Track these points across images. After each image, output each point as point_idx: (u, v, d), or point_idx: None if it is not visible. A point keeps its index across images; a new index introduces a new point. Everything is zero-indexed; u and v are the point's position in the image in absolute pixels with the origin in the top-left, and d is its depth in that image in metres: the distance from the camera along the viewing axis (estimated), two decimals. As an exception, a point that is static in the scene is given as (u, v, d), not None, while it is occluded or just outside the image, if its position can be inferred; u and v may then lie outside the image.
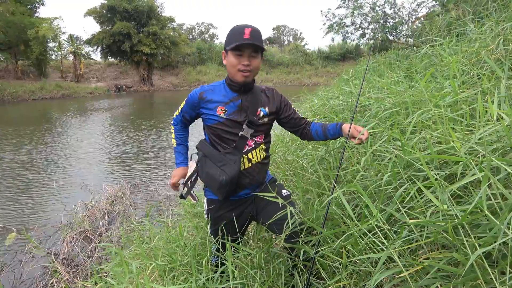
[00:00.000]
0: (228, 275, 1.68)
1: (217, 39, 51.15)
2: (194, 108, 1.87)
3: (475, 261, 1.00)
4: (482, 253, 0.97)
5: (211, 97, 1.80)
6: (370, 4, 7.05)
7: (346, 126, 1.82)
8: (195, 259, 2.07)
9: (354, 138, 1.74)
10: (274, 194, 1.75)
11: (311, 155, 2.83)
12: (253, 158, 1.84)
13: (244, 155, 1.82)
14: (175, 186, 2.02)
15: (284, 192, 1.94)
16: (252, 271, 1.84)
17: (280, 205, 1.77)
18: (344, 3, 7.34)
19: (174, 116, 2.01)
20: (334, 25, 7.62)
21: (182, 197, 1.95)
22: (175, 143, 2.02)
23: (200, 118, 1.93)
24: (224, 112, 1.77)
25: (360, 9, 7.05)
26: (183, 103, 1.92)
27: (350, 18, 7.36)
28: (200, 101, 1.82)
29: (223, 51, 1.79)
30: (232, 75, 1.77)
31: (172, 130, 2.03)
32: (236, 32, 1.69)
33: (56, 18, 26.09)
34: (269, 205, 1.87)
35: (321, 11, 7.88)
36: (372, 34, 7.22)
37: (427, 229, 1.18)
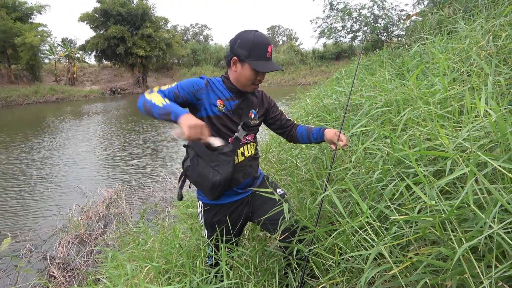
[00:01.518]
0: (223, 275, 1.69)
1: (212, 40, 51.16)
2: (196, 92, 1.71)
3: (462, 255, 1.01)
4: (469, 248, 0.98)
5: (214, 88, 1.78)
6: (358, 9, 7.08)
7: (328, 131, 1.87)
8: (190, 260, 2.07)
9: (335, 144, 1.81)
10: (270, 190, 1.77)
11: (304, 154, 2.84)
12: (245, 152, 1.87)
13: (237, 150, 1.83)
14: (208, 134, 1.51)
15: (279, 191, 1.96)
16: (247, 270, 1.85)
17: (277, 202, 1.80)
18: (331, 11, 7.39)
19: (156, 89, 1.66)
20: (325, 30, 7.66)
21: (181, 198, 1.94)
22: (166, 101, 1.54)
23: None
24: (223, 107, 1.77)
25: (349, 15, 7.08)
26: (174, 84, 1.70)
27: (340, 23, 7.40)
28: (205, 87, 1.74)
29: (235, 57, 1.70)
30: (243, 86, 1.77)
31: (159, 96, 1.58)
32: (260, 48, 1.67)
33: (40, 24, 25.95)
34: (265, 204, 1.88)
35: (310, 21, 7.96)
36: (363, 36, 7.25)
37: (416, 225, 1.19)
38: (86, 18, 27.80)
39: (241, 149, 1.85)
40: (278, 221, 1.75)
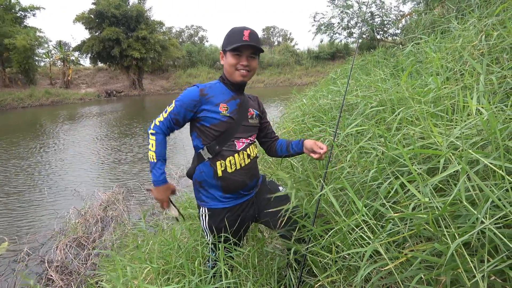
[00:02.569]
0: (221, 276, 1.71)
1: (207, 41, 51.17)
2: (194, 107, 1.76)
3: (456, 251, 1.04)
4: (463, 243, 1.01)
5: (212, 93, 1.78)
6: (357, 3, 7.15)
7: (307, 141, 1.88)
8: (189, 260, 2.08)
9: (314, 152, 1.80)
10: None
11: (301, 155, 2.86)
12: (251, 153, 1.88)
13: (243, 152, 1.84)
14: (167, 206, 1.89)
15: (280, 188, 1.98)
16: (245, 270, 1.86)
17: (281, 199, 1.86)
18: (333, 1, 7.46)
19: (157, 122, 1.80)
20: (322, 26, 7.74)
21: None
22: (154, 157, 1.77)
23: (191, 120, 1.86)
24: (226, 110, 1.78)
25: (349, 8, 7.16)
26: (172, 105, 1.78)
27: (337, 17, 7.50)
28: (201, 98, 1.76)
29: (221, 51, 1.81)
30: (230, 75, 1.79)
31: (153, 142, 1.77)
32: (235, 33, 1.73)
33: (34, 28, 25.89)
34: (270, 202, 1.89)
35: (310, 15, 8.12)
36: (359, 33, 7.33)
37: (411, 222, 1.22)
38: (81, 19, 27.71)
39: (248, 150, 1.86)
40: (283, 217, 1.79)
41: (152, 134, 1.79)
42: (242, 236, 1.97)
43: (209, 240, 1.96)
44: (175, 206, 1.89)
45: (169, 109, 1.79)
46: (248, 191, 1.91)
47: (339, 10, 7.39)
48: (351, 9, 7.21)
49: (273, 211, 1.85)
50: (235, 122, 1.81)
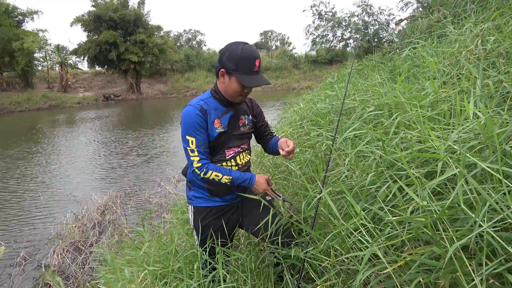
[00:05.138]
0: (219, 280, 1.70)
1: (205, 45, 51.27)
2: (206, 127, 1.78)
3: (454, 254, 1.04)
4: (461, 247, 1.01)
5: (208, 109, 1.80)
6: (348, 18, 7.20)
7: (281, 139, 1.91)
8: (187, 265, 2.08)
9: (283, 150, 1.83)
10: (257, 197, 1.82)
11: (299, 158, 2.86)
12: (239, 162, 1.92)
13: (232, 160, 1.88)
14: (272, 193, 1.91)
15: (267, 197, 2.00)
16: (243, 274, 1.86)
17: (264, 208, 1.87)
18: (321, 21, 7.53)
19: (196, 164, 1.75)
20: (317, 40, 7.79)
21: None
22: (228, 177, 1.77)
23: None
24: (220, 125, 1.81)
25: (339, 24, 7.21)
26: (192, 138, 1.74)
27: (330, 33, 7.55)
28: (206, 117, 1.77)
29: (223, 69, 1.73)
30: (230, 97, 1.79)
31: (213, 174, 1.76)
32: (246, 61, 1.67)
33: (41, 30, 26.05)
34: (254, 209, 1.94)
35: (303, 29, 8.16)
36: (355, 43, 7.38)
37: (409, 225, 1.22)
38: (80, 21, 27.68)
39: (237, 158, 1.90)
40: (267, 226, 1.80)
41: (205, 173, 1.76)
42: (228, 238, 1.98)
43: (196, 240, 2.00)
44: (277, 194, 1.89)
45: (192, 146, 1.75)
46: (235, 196, 1.94)
47: (329, 26, 7.44)
48: (342, 23, 7.26)
49: (253, 221, 1.90)
50: (227, 134, 1.84)
